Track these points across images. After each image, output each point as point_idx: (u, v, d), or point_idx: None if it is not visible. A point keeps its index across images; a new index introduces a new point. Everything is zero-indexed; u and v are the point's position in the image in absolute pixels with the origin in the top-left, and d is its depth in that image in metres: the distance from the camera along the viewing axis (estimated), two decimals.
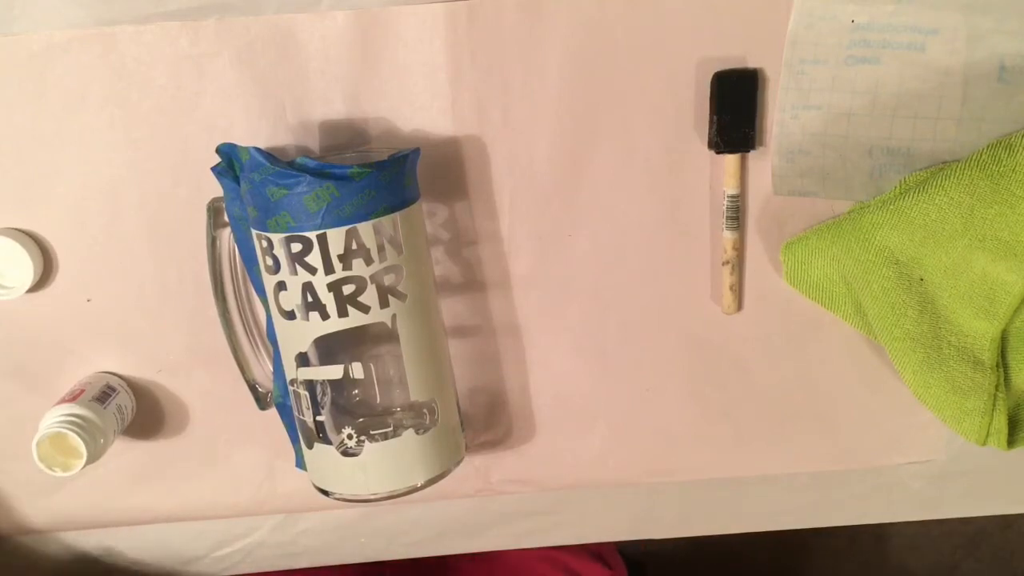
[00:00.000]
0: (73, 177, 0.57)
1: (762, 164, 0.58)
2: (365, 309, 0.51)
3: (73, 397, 0.57)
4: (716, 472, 0.65)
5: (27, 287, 0.57)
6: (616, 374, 0.63)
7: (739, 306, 0.61)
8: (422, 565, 0.77)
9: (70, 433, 0.55)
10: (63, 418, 0.56)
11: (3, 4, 0.53)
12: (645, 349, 0.62)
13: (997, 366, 0.55)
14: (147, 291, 0.59)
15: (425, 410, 0.55)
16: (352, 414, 0.55)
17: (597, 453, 0.64)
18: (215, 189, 0.54)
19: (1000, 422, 0.56)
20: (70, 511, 0.64)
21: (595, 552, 0.77)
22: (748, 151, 0.57)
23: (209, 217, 0.56)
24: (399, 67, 0.56)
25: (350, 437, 0.53)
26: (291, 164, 0.50)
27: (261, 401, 0.60)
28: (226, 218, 0.55)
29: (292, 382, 0.54)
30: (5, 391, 0.61)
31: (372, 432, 0.54)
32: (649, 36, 0.55)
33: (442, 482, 0.56)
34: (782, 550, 1.46)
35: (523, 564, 0.74)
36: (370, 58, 0.55)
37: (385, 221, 0.50)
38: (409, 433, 0.53)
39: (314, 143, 0.57)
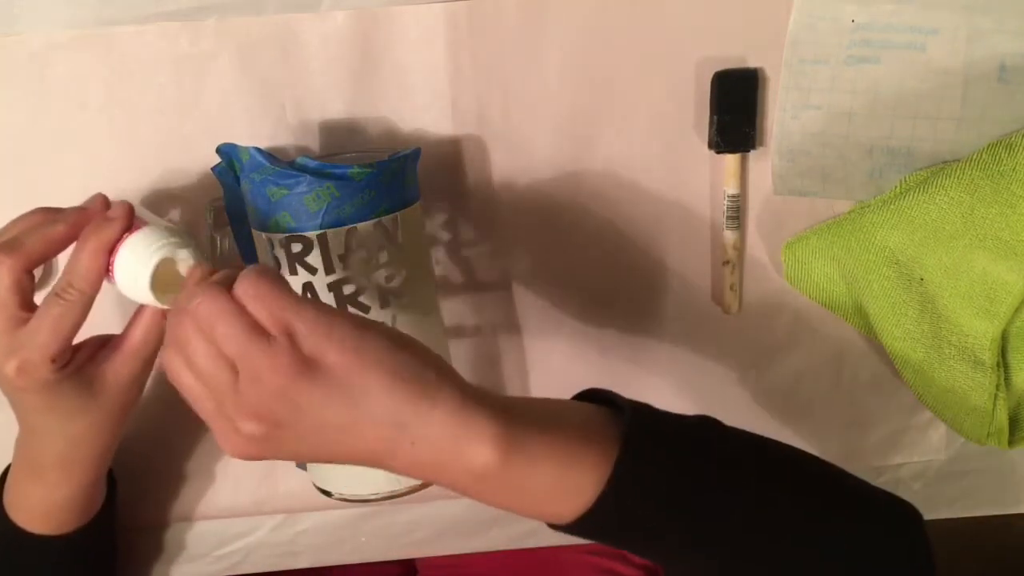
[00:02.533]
0: (73, 177, 0.57)
1: (762, 164, 0.58)
2: (365, 309, 0.51)
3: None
4: None
5: None
6: (616, 374, 0.62)
7: (739, 306, 0.61)
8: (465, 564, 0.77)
9: (183, 251, 0.44)
10: (165, 244, 0.44)
11: (3, 4, 0.53)
12: (645, 349, 0.62)
13: (997, 366, 0.54)
14: None
15: None
16: None
17: None
18: (215, 189, 0.54)
19: (1000, 421, 0.56)
20: None
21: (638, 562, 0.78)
22: (748, 151, 0.57)
23: (209, 217, 0.56)
24: (399, 67, 0.55)
25: None
26: (291, 164, 0.49)
27: None
28: (226, 218, 0.55)
29: None
30: None
31: None
32: (649, 36, 0.55)
33: None
34: None
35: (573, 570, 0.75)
36: (370, 58, 0.55)
37: (385, 221, 0.50)
38: None
39: (314, 143, 0.57)
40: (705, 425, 0.43)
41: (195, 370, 0.39)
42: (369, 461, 0.39)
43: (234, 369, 0.38)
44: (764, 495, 0.42)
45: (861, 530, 0.43)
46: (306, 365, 0.37)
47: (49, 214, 0.47)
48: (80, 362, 0.48)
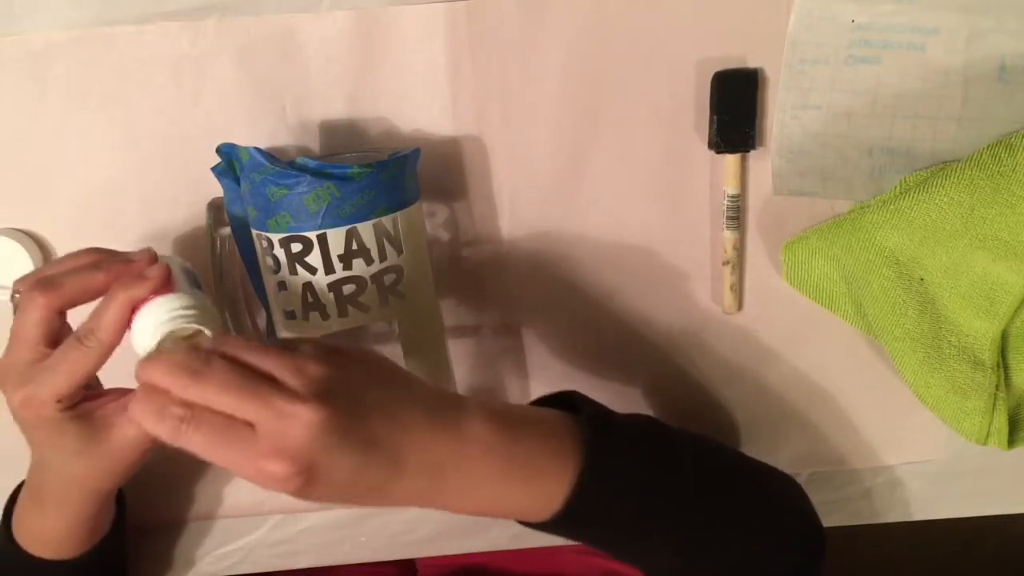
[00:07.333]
0: (73, 177, 0.57)
1: (762, 164, 0.58)
2: (365, 309, 0.51)
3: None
4: None
5: None
6: (615, 374, 0.62)
7: (739, 306, 0.61)
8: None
9: (194, 327, 0.45)
10: (176, 314, 0.45)
11: (3, 4, 0.53)
12: (645, 349, 0.62)
13: (997, 366, 0.54)
14: None
15: None
16: None
17: None
18: (215, 189, 0.54)
19: (1000, 422, 0.56)
20: None
21: None
22: (748, 151, 0.57)
23: (209, 217, 0.56)
24: (399, 67, 0.56)
25: None
26: (291, 164, 0.50)
27: None
28: (226, 218, 0.55)
29: None
30: None
31: None
32: (649, 36, 0.55)
33: None
34: None
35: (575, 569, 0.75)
36: (370, 58, 0.55)
37: (385, 221, 0.50)
38: None
39: (314, 143, 0.57)
40: (649, 422, 0.51)
41: (225, 400, 0.39)
42: (407, 440, 0.42)
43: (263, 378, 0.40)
44: (706, 481, 0.49)
45: (781, 508, 0.53)
46: (336, 352, 0.42)
47: (97, 257, 0.48)
48: (90, 408, 0.48)
